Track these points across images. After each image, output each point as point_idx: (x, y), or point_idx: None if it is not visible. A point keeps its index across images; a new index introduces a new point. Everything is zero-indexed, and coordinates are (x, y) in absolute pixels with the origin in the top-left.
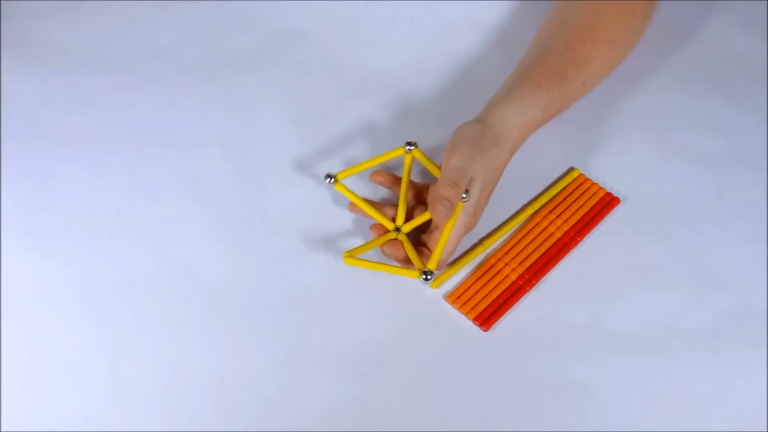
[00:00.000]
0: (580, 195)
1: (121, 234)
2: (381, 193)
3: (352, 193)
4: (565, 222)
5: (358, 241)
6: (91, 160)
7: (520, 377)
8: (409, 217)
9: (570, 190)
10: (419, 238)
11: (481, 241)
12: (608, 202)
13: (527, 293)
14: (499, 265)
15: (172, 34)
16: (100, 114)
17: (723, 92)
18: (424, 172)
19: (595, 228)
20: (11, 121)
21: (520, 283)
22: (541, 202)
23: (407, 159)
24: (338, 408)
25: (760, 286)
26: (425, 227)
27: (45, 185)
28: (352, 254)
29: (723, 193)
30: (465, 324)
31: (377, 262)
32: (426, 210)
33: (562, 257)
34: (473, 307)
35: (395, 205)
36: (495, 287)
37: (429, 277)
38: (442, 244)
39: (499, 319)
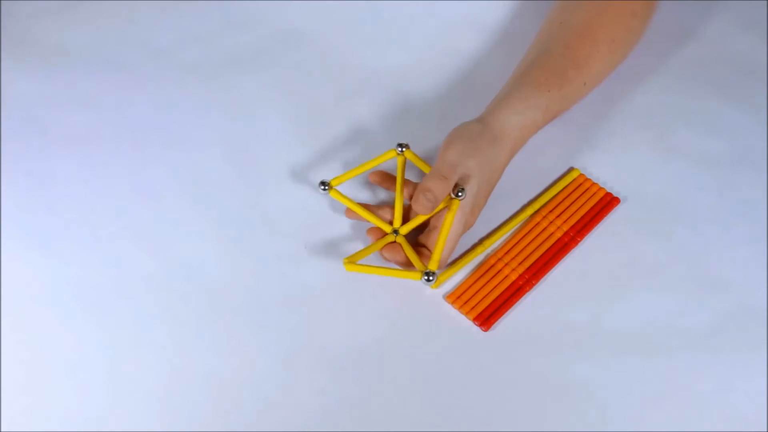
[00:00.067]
0: (580, 195)
1: (121, 234)
2: (380, 194)
3: (348, 198)
4: (565, 222)
5: (358, 242)
6: (91, 160)
7: (520, 377)
8: (406, 218)
9: (570, 190)
10: (417, 239)
11: (481, 241)
12: (608, 202)
13: (527, 293)
14: (499, 265)
15: (172, 34)
16: (100, 114)
17: (723, 92)
18: (421, 172)
19: (595, 228)
20: (11, 121)
21: (520, 283)
22: (541, 202)
23: (399, 160)
24: (338, 408)
25: (760, 286)
26: (423, 227)
27: (45, 185)
28: (352, 260)
29: (723, 193)
30: (465, 324)
31: (378, 267)
32: None
33: (562, 257)
34: (473, 307)
35: (392, 207)
36: (495, 287)
37: (431, 278)
38: (441, 243)
39: (499, 319)
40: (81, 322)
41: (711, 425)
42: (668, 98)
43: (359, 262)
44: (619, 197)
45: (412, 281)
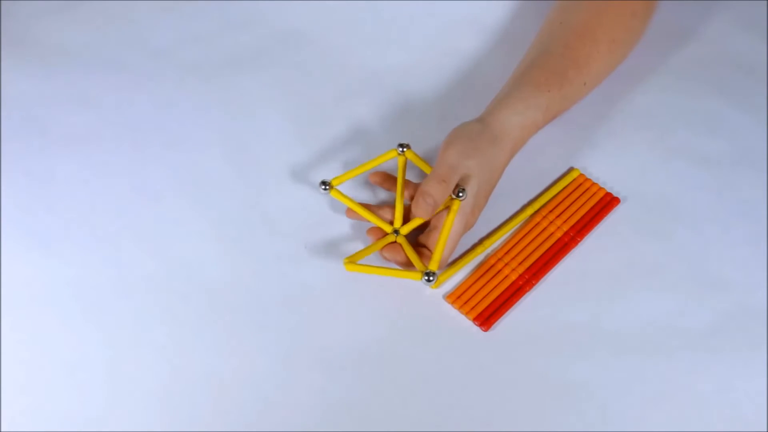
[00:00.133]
0: (580, 195)
1: (121, 234)
2: (380, 195)
3: (348, 198)
4: (565, 222)
5: (358, 242)
6: (91, 160)
7: (520, 377)
8: (406, 219)
9: (570, 190)
10: (418, 239)
11: (481, 241)
12: (608, 202)
13: (527, 293)
14: (499, 265)
15: (172, 34)
16: (100, 114)
17: (723, 92)
18: (422, 172)
19: (595, 228)
20: (11, 121)
21: (520, 283)
22: (541, 202)
23: (400, 160)
24: (338, 408)
25: (760, 286)
26: (423, 227)
27: (45, 185)
28: (352, 260)
29: (723, 193)
30: (465, 324)
31: (378, 267)
32: None
33: (562, 257)
34: (473, 307)
35: (393, 207)
36: (495, 287)
37: (431, 278)
38: (442, 244)
39: (499, 319)
40: (81, 322)
41: (711, 425)
42: (668, 98)
43: (359, 262)
44: (619, 197)
45: (412, 281)
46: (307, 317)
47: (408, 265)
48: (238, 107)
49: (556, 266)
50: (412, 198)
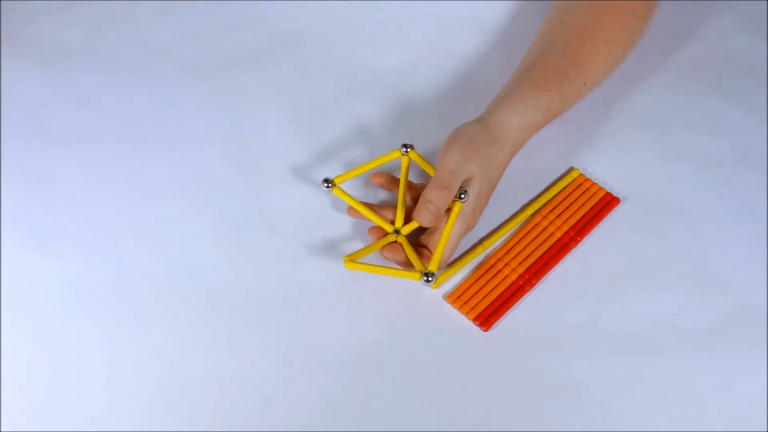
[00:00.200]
0: (580, 195)
1: (121, 234)
2: (381, 195)
3: (350, 197)
4: (565, 222)
5: (358, 241)
6: (91, 160)
7: (520, 377)
8: (408, 219)
9: (570, 190)
10: (418, 240)
11: (481, 241)
12: (608, 202)
13: (527, 293)
14: (499, 265)
15: (172, 34)
16: (100, 114)
17: (723, 92)
18: (424, 172)
19: (595, 228)
20: (11, 121)
21: (520, 283)
22: (541, 202)
23: (404, 161)
24: (338, 408)
25: (760, 285)
26: (424, 228)
27: (45, 185)
28: (352, 258)
29: (723, 193)
30: (465, 324)
31: (378, 266)
32: None
33: (562, 257)
34: (473, 307)
35: (394, 207)
36: (495, 287)
37: (430, 278)
38: (442, 245)
39: (499, 319)
40: (81, 322)
41: (711, 425)
42: (668, 98)
43: (359, 260)
44: (619, 197)
45: (412, 281)
46: (307, 317)
47: (408, 265)
48: (238, 107)
49: (556, 266)
50: (413, 199)
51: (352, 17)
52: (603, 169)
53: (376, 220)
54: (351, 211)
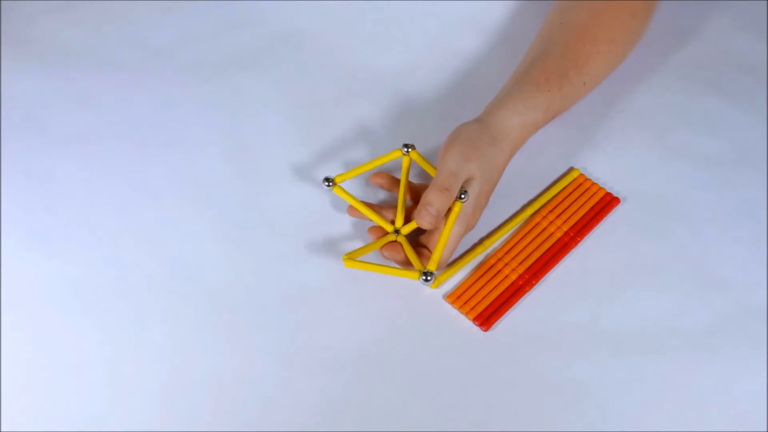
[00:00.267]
0: (580, 195)
1: (121, 234)
2: (381, 195)
3: (351, 196)
4: (565, 222)
5: (358, 241)
6: (91, 160)
7: (520, 377)
8: (408, 219)
9: (570, 190)
10: (418, 239)
11: (481, 241)
12: (608, 202)
13: (527, 293)
14: (499, 265)
15: (172, 34)
16: (100, 114)
17: (723, 92)
18: (424, 172)
19: (595, 228)
20: (11, 121)
21: (520, 283)
22: (541, 202)
23: (405, 161)
24: (338, 408)
25: (760, 285)
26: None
27: (45, 185)
28: (351, 257)
29: (723, 193)
30: (465, 324)
31: (377, 264)
32: None
33: (562, 257)
34: (473, 307)
35: (394, 207)
36: (495, 287)
37: (429, 278)
38: (441, 245)
39: (499, 319)
40: (81, 322)
41: (711, 425)
42: (668, 98)
43: (358, 259)
44: (619, 197)
45: (412, 281)
46: (307, 317)
47: (407, 264)
48: (238, 107)
49: (556, 266)
50: (412, 198)
51: (352, 17)
52: (603, 169)
53: (377, 220)
54: (351, 210)
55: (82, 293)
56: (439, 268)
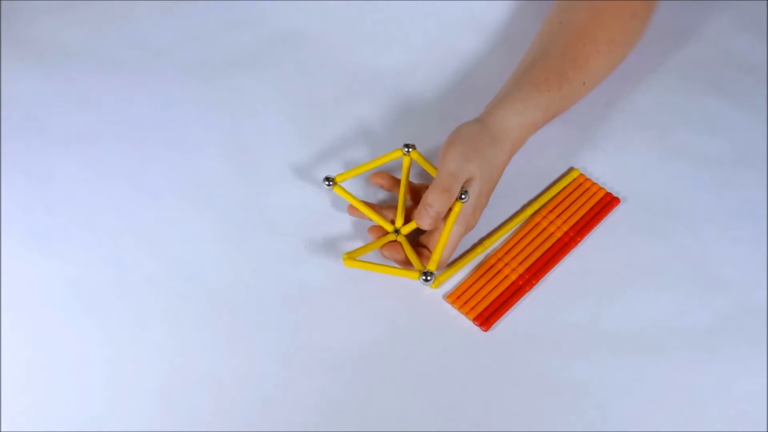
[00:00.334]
0: (580, 195)
1: (121, 234)
2: (381, 195)
3: (351, 195)
4: (565, 222)
5: (358, 242)
6: (91, 160)
7: (520, 377)
8: (408, 219)
9: (570, 190)
10: (418, 239)
11: (481, 241)
12: (608, 202)
13: (527, 293)
14: (499, 265)
15: (172, 34)
16: (100, 114)
17: (723, 92)
18: (424, 172)
19: (595, 228)
20: (11, 121)
21: (520, 283)
22: (541, 202)
23: (405, 161)
24: (338, 408)
25: (760, 285)
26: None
27: (45, 185)
28: (351, 256)
29: (723, 193)
30: (465, 324)
31: (377, 264)
32: None
33: (562, 257)
34: (473, 307)
35: (395, 207)
36: (495, 287)
37: (429, 278)
38: (441, 245)
39: (499, 319)
40: (81, 322)
41: (711, 425)
42: (668, 98)
43: (358, 258)
44: (619, 197)
45: (413, 281)
46: (307, 317)
47: (407, 264)
48: (238, 107)
49: (556, 266)
50: (412, 198)
51: (352, 17)
52: (603, 169)
53: (377, 219)
54: (351, 209)
55: (82, 293)
56: (439, 268)
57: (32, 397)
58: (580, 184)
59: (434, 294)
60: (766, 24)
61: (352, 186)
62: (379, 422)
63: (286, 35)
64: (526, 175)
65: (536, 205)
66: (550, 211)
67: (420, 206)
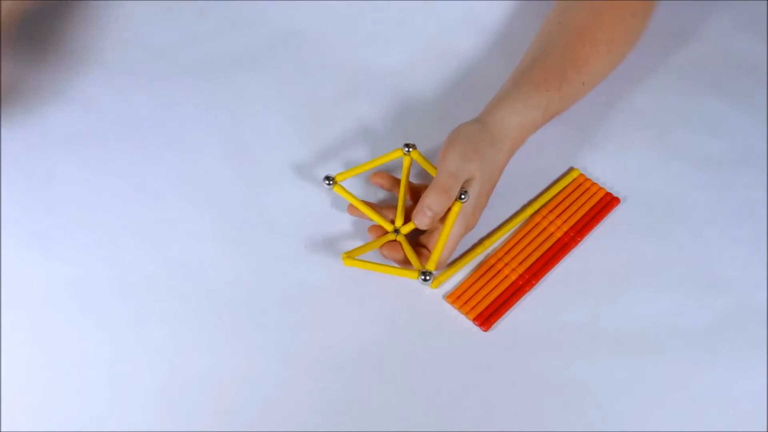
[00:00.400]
0: (580, 195)
1: (121, 234)
2: (381, 194)
3: (351, 195)
4: (565, 222)
5: (358, 241)
6: (91, 160)
7: (520, 377)
8: (408, 219)
9: (570, 190)
10: (418, 239)
11: (481, 241)
12: (608, 202)
13: (527, 293)
14: (499, 265)
15: (172, 34)
16: (100, 114)
17: (723, 92)
18: (424, 172)
19: (595, 228)
20: (11, 121)
21: (520, 283)
22: (541, 202)
23: (405, 160)
24: (338, 408)
25: (760, 285)
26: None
27: (45, 185)
28: (351, 255)
29: (723, 193)
30: (465, 324)
31: (376, 263)
32: None
33: (562, 257)
34: (473, 307)
35: (394, 207)
36: (495, 287)
37: (428, 277)
38: (441, 245)
39: (499, 319)
40: (81, 322)
41: (711, 425)
42: (668, 98)
43: (358, 257)
44: (619, 197)
45: (412, 280)
46: (306, 317)
47: (407, 264)
48: (238, 107)
49: (556, 266)
50: (412, 198)
51: (352, 17)
52: (603, 169)
53: (377, 219)
54: (351, 209)
55: (82, 293)
56: (438, 268)
57: (32, 397)
58: (580, 184)
59: (434, 294)
60: (766, 24)
61: (352, 186)
62: (379, 422)
63: (286, 35)
64: (526, 175)
65: (536, 205)
66: (550, 211)
67: (418, 206)
